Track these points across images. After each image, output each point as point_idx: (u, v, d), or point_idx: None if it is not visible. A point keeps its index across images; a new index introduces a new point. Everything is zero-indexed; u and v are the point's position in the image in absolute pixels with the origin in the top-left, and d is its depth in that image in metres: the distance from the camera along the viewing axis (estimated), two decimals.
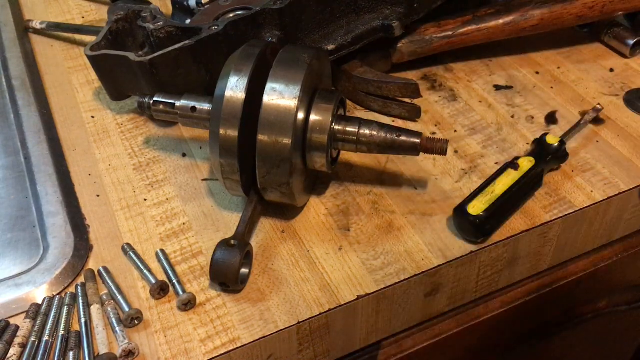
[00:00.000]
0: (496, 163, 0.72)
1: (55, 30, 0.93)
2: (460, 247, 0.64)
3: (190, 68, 0.72)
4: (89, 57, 0.75)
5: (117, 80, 0.76)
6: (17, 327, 0.58)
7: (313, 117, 0.62)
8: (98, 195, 0.70)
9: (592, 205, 0.68)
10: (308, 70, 0.60)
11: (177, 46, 0.71)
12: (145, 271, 0.62)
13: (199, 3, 0.86)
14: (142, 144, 0.76)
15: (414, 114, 0.78)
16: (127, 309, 0.58)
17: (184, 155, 0.75)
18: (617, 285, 0.87)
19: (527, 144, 0.74)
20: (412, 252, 0.63)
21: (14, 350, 0.55)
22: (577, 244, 0.72)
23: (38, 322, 0.58)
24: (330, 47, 0.77)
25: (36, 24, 0.93)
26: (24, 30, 0.95)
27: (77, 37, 0.93)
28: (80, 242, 0.65)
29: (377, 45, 0.81)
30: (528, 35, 0.83)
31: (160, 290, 0.60)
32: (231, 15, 0.80)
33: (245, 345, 0.57)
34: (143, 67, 0.71)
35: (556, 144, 0.69)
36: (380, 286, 0.60)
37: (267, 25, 0.73)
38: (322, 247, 0.64)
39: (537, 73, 0.85)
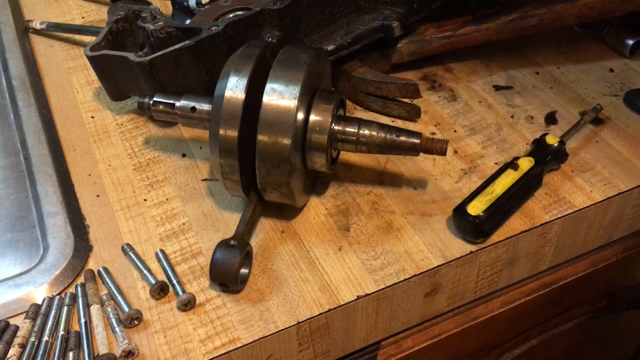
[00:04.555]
0: (496, 163, 0.72)
1: (55, 31, 0.93)
2: (459, 247, 0.64)
3: (190, 68, 0.72)
4: (89, 58, 0.75)
5: (117, 80, 0.76)
6: (17, 328, 0.58)
7: (313, 117, 0.62)
8: (98, 196, 0.70)
9: (591, 205, 0.68)
10: (308, 70, 0.60)
11: (177, 46, 0.71)
12: (145, 271, 0.62)
13: (198, 3, 0.86)
14: (142, 144, 0.76)
15: (414, 114, 0.78)
16: (126, 309, 0.58)
17: (183, 155, 0.75)
18: (617, 285, 0.87)
19: (527, 144, 0.74)
20: (411, 252, 0.63)
21: (13, 351, 0.55)
22: (576, 244, 0.72)
23: (38, 322, 0.58)
24: (330, 47, 0.77)
25: (36, 24, 0.93)
26: (24, 30, 0.95)
27: (77, 37, 0.93)
28: (80, 242, 0.65)
29: (377, 45, 0.81)
30: (528, 35, 0.83)
31: (160, 290, 0.60)
32: (231, 15, 0.80)
33: (245, 345, 0.57)
34: (143, 68, 0.71)
35: (556, 144, 0.70)
36: (380, 286, 0.60)
37: (266, 26, 0.73)
38: (322, 247, 0.64)
39: (537, 73, 0.85)
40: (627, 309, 0.92)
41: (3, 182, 0.75)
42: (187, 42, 0.71)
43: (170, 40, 0.74)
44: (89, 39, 0.92)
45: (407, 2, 0.77)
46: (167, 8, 0.95)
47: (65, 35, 0.94)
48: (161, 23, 0.74)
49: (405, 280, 0.61)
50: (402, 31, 0.78)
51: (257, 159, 0.60)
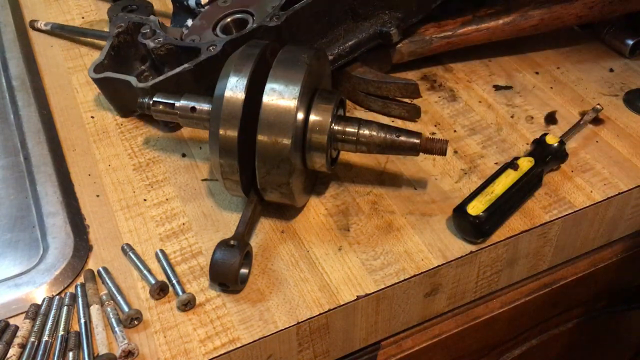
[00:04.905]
0: (496, 163, 0.72)
1: (59, 32, 0.94)
2: (459, 247, 0.64)
3: (191, 87, 0.73)
4: (93, 80, 0.77)
5: (122, 98, 0.78)
6: (17, 328, 0.58)
7: (313, 117, 0.62)
8: (98, 196, 0.70)
9: (591, 205, 0.68)
10: (308, 70, 0.60)
11: (177, 71, 0.73)
12: (145, 271, 0.62)
13: (198, 3, 0.87)
14: (142, 144, 0.76)
15: (414, 114, 0.78)
16: (126, 309, 0.58)
17: (183, 155, 0.75)
18: (617, 285, 0.86)
19: (527, 144, 0.74)
20: (411, 252, 0.63)
21: (13, 351, 0.55)
22: (576, 244, 0.72)
23: (37, 322, 0.58)
24: (329, 57, 0.77)
25: (41, 25, 0.94)
26: (28, 29, 0.95)
27: (77, 38, 0.93)
28: (79, 242, 0.65)
29: (377, 45, 0.81)
30: (528, 35, 0.83)
31: (160, 290, 0.60)
32: (229, 19, 0.81)
33: (245, 345, 0.57)
34: (145, 92, 0.73)
35: (556, 144, 0.69)
36: (380, 286, 0.60)
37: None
38: (322, 247, 0.64)
39: (537, 73, 0.85)
40: (627, 309, 0.92)
41: (3, 182, 0.75)
42: (186, 65, 0.72)
43: (170, 56, 0.76)
44: (89, 40, 0.93)
45: (406, 6, 0.77)
46: (167, 6, 0.95)
47: (67, 35, 0.94)
48: (161, 39, 0.76)
49: (405, 280, 0.61)
50: (401, 37, 0.78)
51: (257, 159, 0.60)
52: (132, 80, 0.75)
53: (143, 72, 0.81)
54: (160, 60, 0.76)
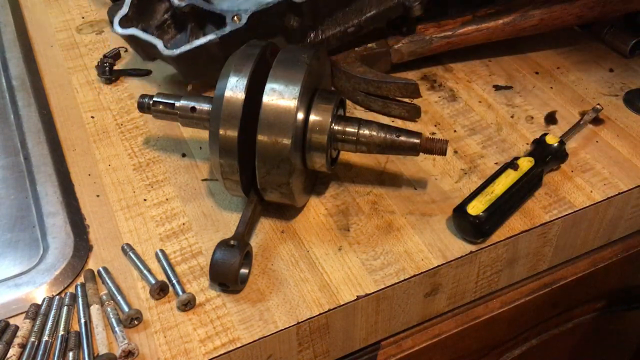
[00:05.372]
0: (496, 163, 0.72)
1: None
2: (459, 247, 0.64)
3: (214, 56, 0.74)
4: (120, 35, 0.78)
5: (146, 50, 0.80)
6: (17, 328, 0.58)
7: (313, 117, 0.62)
8: (98, 196, 0.70)
9: (591, 205, 0.68)
10: (307, 70, 0.60)
11: (203, 41, 0.74)
12: (145, 271, 0.62)
13: None
14: (142, 144, 0.76)
15: (414, 114, 0.78)
16: (126, 309, 0.58)
17: (183, 155, 0.75)
18: (617, 285, 0.87)
19: (527, 144, 0.74)
20: (411, 252, 0.63)
21: (13, 351, 0.55)
22: (576, 244, 0.72)
23: (38, 322, 0.58)
24: (350, 28, 0.78)
25: None
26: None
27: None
28: (79, 242, 0.65)
29: (377, 43, 0.81)
30: (528, 35, 0.83)
31: (160, 290, 0.60)
32: None
33: (245, 345, 0.57)
34: (171, 59, 0.75)
35: (556, 144, 0.70)
36: (380, 286, 0.60)
37: (287, 14, 0.74)
38: (322, 247, 0.64)
39: (537, 73, 0.85)
40: (627, 309, 0.92)
41: (3, 182, 0.75)
42: (212, 37, 0.73)
43: (193, 15, 0.77)
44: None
45: None
46: None
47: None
48: None
49: (405, 280, 0.61)
50: (422, 12, 0.79)
51: (257, 159, 0.60)
52: (159, 44, 0.76)
53: (165, 21, 0.81)
54: (184, 18, 0.78)
